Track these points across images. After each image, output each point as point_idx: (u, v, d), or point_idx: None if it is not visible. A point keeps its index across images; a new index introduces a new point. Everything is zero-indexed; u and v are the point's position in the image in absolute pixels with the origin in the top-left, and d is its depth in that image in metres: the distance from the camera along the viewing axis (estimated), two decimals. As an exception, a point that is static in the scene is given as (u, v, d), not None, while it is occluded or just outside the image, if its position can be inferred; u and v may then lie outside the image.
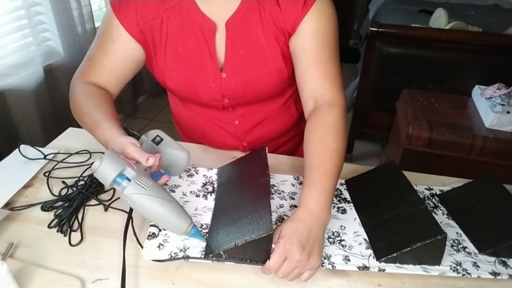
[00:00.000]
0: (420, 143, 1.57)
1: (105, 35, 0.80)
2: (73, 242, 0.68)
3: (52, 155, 0.89)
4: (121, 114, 2.58)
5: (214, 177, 0.81)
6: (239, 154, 0.94)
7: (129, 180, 0.58)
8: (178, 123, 1.03)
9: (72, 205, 0.74)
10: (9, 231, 0.70)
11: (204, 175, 0.82)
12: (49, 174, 0.84)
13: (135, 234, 0.65)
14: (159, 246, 0.64)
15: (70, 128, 1.02)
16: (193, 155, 0.93)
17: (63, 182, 0.81)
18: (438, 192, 0.83)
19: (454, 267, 0.65)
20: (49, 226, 0.71)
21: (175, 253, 0.63)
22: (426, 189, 0.84)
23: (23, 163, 0.86)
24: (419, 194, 0.79)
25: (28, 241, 0.68)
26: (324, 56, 0.76)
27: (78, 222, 0.72)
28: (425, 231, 0.64)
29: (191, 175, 0.82)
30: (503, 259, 0.68)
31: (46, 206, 0.74)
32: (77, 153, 0.91)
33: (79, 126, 1.03)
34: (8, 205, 0.76)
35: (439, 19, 2.30)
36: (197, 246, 0.64)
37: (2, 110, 1.65)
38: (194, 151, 0.96)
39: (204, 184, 0.79)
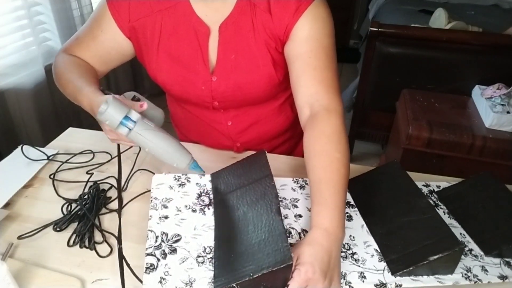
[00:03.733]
0: (420, 143, 1.56)
1: (96, 22, 0.81)
2: (102, 254, 0.66)
3: (55, 156, 0.89)
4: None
5: (209, 185, 0.73)
6: (234, 154, 0.94)
7: (133, 122, 0.62)
8: (175, 122, 1.03)
9: (89, 218, 0.71)
10: (9, 231, 0.70)
11: (197, 183, 0.74)
12: (54, 176, 0.83)
13: (129, 267, 0.60)
14: (161, 281, 0.57)
15: (70, 128, 1.02)
16: (194, 155, 0.93)
17: (65, 198, 0.78)
18: (435, 189, 0.82)
19: (465, 274, 0.64)
20: (68, 245, 0.68)
21: None
22: (423, 185, 0.83)
23: (23, 163, 0.86)
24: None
25: (28, 241, 0.68)
26: (318, 61, 0.74)
27: (101, 233, 0.70)
28: (441, 242, 0.61)
29: (182, 185, 0.73)
30: (507, 259, 0.67)
31: (58, 227, 0.71)
32: (80, 153, 0.91)
33: (79, 126, 1.04)
34: (8, 205, 0.76)
35: (439, 19, 2.29)
36: (204, 277, 0.58)
37: (2, 110, 1.65)
38: (191, 150, 0.95)
39: (199, 195, 0.71)
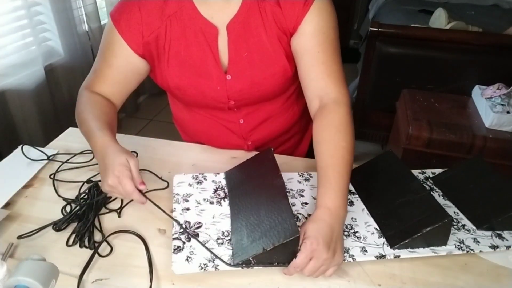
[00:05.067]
0: (420, 143, 1.57)
1: (108, 50, 0.80)
2: (102, 253, 0.66)
3: (56, 156, 0.89)
4: (122, 113, 2.58)
5: (223, 182, 0.81)
6: (240, 154, 0.94)
7: None
8: (180, 124, 1.03)
9: (88, 218, 0.72)
10: (9, 231, 0.71)
11: (213, 180, 0.82)
12: (54, 176, 0.83)
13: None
14: (187, 259, 0.63)
15: (70, 128, 1.02)
16: (195, 155, 0.94)
17: (65, 199, 0.78)
18: (431, 175, 0.87)
19: (459, 245, 0.70)
20: (68, 245, 0.68)
21: (204, 264, 0.63)
22: (420, 173, 0.88)
23: (23, 163, 0.87)
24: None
25: (28, 241, 0.69)
26: (326, 55, 0.77)
27: (101, 233, 0.70)
28: (432, 216, 0.68)
29: (200, 182, 0.81)
30: (498, 232, 0.73)
31: (57, 227, 0.71)
32: (81, 153, 0.91)
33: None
34: (8, 205, 0.76)
35: (439, 19, 2.30)
36: (224, 254, 0.65)
37: (2, 110, 1.65)
38: (195, 151, 0.96)
39: (215, 190, 0.79)
